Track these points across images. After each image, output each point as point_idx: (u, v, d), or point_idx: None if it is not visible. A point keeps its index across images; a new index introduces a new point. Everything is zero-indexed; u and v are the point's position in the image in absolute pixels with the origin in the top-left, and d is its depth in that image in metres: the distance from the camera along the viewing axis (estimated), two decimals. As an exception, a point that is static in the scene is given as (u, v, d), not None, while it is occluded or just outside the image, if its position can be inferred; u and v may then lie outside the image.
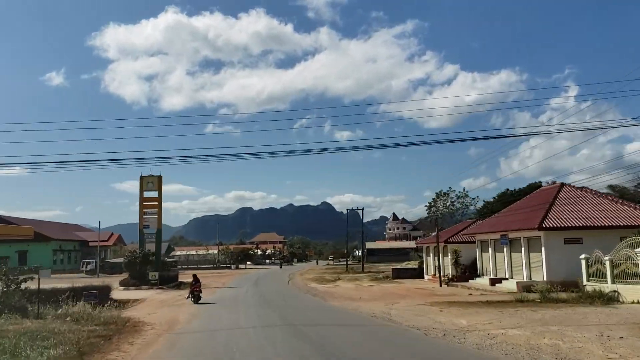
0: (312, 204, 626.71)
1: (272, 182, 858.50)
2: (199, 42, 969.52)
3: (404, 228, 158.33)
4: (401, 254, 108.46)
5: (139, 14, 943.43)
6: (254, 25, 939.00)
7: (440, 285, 35.61)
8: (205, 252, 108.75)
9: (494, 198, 69.14)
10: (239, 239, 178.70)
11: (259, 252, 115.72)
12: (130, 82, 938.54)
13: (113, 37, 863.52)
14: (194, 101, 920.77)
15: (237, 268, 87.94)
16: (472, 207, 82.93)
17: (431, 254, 43.96)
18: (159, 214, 43.55)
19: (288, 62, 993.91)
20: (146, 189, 42.84)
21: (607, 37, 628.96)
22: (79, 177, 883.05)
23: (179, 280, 43.79)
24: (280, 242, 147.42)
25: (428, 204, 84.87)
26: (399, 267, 55.34)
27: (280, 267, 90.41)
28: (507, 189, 67.14)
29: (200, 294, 26.32)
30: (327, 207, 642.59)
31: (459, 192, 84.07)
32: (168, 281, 41.03)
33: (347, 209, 79.10)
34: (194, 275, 28.55)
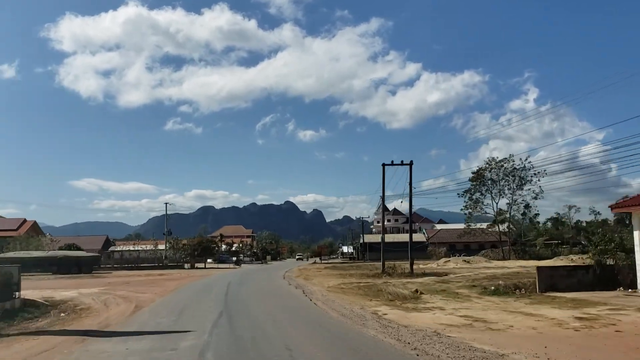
0: (275, 203, 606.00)
1: (234, 181, 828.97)
2: (160, 37, 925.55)
3: (397, 220, 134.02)
4: (406, 249, 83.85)
5: (98, 5, 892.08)
6: (217, 20, 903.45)
7: None
8: (153, 248, 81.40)
9: None
10: (199, 234, 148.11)
11: (224, 246, 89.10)
12: (87, 77, 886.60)
13: (69, 28, 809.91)
14: (153, 98, 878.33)
15: (192, 267, 61.28)
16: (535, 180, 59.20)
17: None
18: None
19: (251, 59, 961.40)
20: None
21: (568, 42, 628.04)
22: (33, 174, 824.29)
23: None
24: (248, 237, 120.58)
25: (473, 174, 60.33)
26: (550, 265, 30.27)
27: (239, 265, 65.35)
28: None
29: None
30: (290, 206, 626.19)
31: (520, 160, 60.15)
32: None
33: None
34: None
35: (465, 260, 53.97)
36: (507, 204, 61.90)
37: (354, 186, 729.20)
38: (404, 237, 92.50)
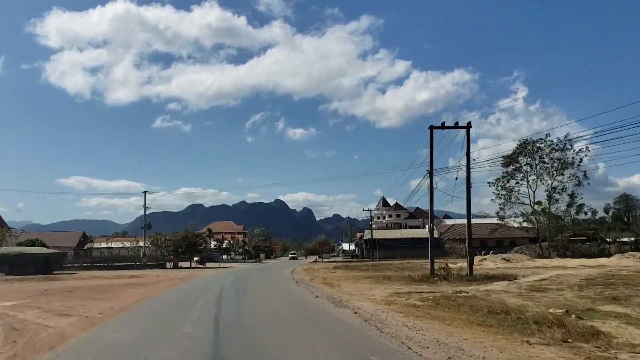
0: (264, 201, 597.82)
1: (223, 179, 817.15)
2: (149, 33, 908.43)
3: (398, 216, 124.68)
4: (421, 246, 74.99)
5: (86, 0, 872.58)
6: (206, 17, 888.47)
7: None
8: (133, 245, 71.40)
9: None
10: (186, 229, 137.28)
11: (213, 243, 79.07)
12: (74, 74, 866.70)
13: (55, 24, 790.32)
14: (141, 95, 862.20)
15: (176, 267, 51.62)
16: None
17: None
18: None
19: (240, 57, 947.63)
20: None
21: (558, 41, 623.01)
22: (20, 172, 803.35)
23: None
24: (239, 233, 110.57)
25: (505, 158, 50.61)
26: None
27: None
28: None
29: None
30: (280, 205, 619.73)
31: (557, 139, 50.67)
32: None
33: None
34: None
35: (505, 259, 44.74)
36: (546, 192, 52.58)
37: (345, 185, 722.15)
38: (416, 233, 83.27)
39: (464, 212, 27.44)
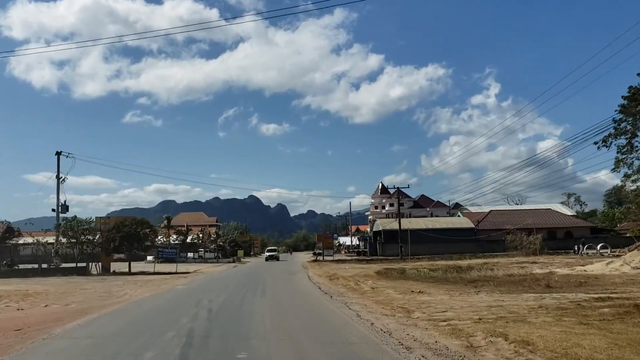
0: (238, 197, 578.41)
1: (196, 175, 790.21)
2: (119, 26, 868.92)
3: (402, 204, 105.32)
4: (460, 239, 56.60)
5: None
6: (177, 9, 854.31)
7: None
8: (44, 241, 50.22)
9: None
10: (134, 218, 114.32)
11: (173, 237, 58.49)
12: (41, 67, 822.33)
13: (20, 15, 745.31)
14: (109, 89, 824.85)
15: (107, 271, 31.45)
16: None
17: None
18: None
19: (212, 51, 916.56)
20: None
21: (530, 38, 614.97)
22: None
23: None
24: (211, 226, 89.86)
25: (621, 107, 31.34)
26: None
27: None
28: None
29: None
30: (254, 201, 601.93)
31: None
32: None
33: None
34: None
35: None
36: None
37: (318, 180, 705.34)
38: (452, 222, 64.21)
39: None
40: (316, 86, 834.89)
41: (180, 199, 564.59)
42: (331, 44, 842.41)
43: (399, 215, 49.94)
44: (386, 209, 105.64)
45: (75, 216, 35.89)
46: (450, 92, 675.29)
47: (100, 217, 38.01)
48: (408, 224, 55.32)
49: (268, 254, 62.78)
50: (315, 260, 53.44)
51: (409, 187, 52.96)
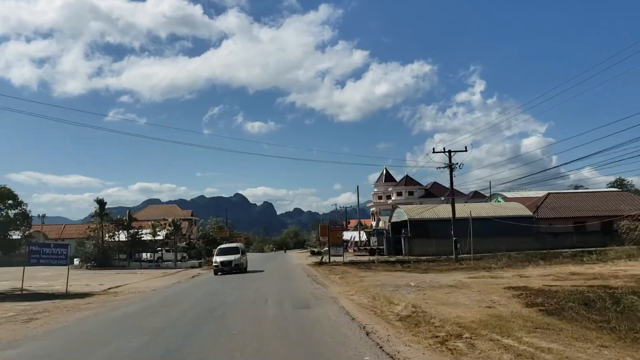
0: (224, 195, 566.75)
1: (181, 174, 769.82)
2: (100, 23, 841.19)
3: (411, 194, 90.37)
4: (507, 233, 41.36)
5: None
6: (160, 5, 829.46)
7: None
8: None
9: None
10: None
11: (124, 233, 42.72)
12: (20, 64, 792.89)
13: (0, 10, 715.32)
14: (91, 88, 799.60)
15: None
16: None
17: None
18: None
19: (196, 48, 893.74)
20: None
21: (515, 35, 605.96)
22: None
23: None
24: (186, 220, 73.72)
25: None
26: None
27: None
28: None
29: None
30: (240, 199, 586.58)
31: None
32: None
33: None
34: None
35: None
36: None
37: (304, 178, 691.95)
38: (502, 209, 48.83)
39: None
40: (301, 83, 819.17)
41: (165, 198, 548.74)
42: (316, 40, 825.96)
43: (452, 198, 33.90)
44: (393, 198, 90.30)
45: None
46: (436, 90, 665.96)
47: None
48: (464, 210, 39.55)
49: (221, 258, 32.04)
50: (320, 263, 37.86)
51: (466, 150, 36.82)
